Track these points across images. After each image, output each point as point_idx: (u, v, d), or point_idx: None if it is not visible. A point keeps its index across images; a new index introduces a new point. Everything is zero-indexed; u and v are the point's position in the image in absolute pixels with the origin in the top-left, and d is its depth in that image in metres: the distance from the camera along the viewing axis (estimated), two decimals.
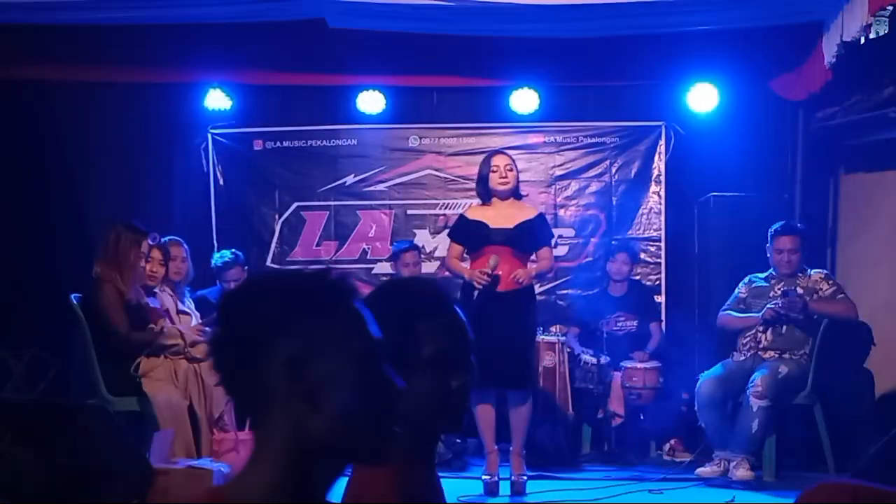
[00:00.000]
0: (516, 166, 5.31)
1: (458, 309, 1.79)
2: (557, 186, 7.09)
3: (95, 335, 5.06)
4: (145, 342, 5.08)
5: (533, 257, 5.30)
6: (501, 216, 5.16)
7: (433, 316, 1.74)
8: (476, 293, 4.96)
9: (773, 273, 5.69)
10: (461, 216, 5.43)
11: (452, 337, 1.75)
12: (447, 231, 5.77)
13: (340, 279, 1.38)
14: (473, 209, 5.36)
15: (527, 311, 5.16)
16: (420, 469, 1.74)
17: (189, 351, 5.16)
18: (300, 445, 1.31)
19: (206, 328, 5.52)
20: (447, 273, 6.00)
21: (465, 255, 5.31)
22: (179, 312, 5.56)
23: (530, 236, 5.19)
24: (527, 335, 5.23)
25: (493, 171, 5.19)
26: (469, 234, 5.22)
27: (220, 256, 6.35)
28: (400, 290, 1.82)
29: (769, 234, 5.67)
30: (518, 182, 5.28)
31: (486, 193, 5.24)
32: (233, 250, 6.42)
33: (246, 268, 6.40)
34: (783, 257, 5.62)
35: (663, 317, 6.82)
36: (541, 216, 5.37)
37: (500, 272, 5.00)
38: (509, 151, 5.70)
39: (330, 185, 7.12)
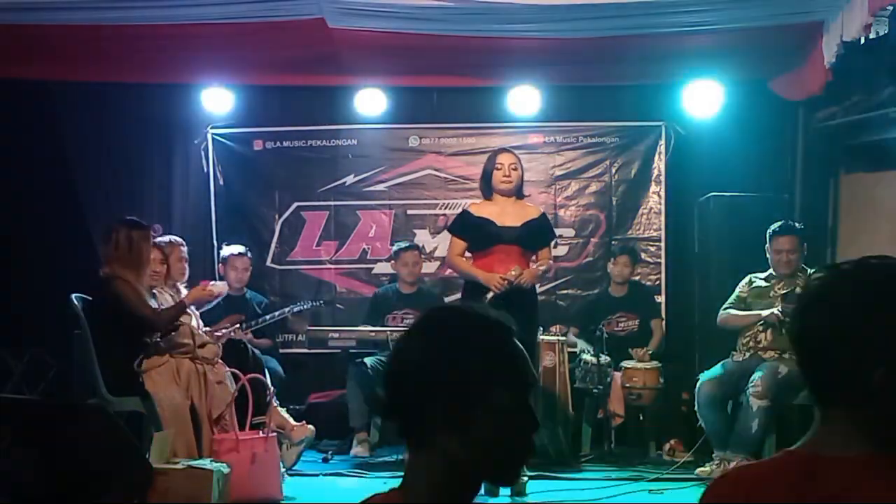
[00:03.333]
0: (521, 166, 5.29)
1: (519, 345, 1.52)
2: (557, 186, 7.10)
3: (103, 335, 5.03)
4: (174, 316, 5.14)
5: (532, 257, 5.31)
6: (507, 214, 5.16)
7: (500, 358, 1.48)
8: (490, 296, 4.96)
9: (773, 273, 5.70)
10: (464, 211, 5.41)
11: (519, 380, 1.49)
12: (448, 226, 5.71)
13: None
14: (477, 205, 5.34)
15: (530, 308, 5.15)
16: None
17: (198, 351, 5.16)
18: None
19: (218, 332, 5.56)
20: (449, 271, 5.98)
21: (467, 251, 5.26)
22: None
23: (536, 236, 5.21)
24: (530, 333, 5.19)
25: (497, 169, 5.19)
26: (475, 231, 5.20)
27: (230, 247, 6.43)
28: (457, 321, 1.52)
29: (768, 234, 5.68)
30: (522, 182, 5.28)
31: (488, 190, 5.24)
32: (242, 245, 6.57)
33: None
34: (782, 257, 5.62)
35: (663, 317, 6.83)
36: (544, 216, 5.38)
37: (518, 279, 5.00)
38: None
39: (330, 185, 7.12)
